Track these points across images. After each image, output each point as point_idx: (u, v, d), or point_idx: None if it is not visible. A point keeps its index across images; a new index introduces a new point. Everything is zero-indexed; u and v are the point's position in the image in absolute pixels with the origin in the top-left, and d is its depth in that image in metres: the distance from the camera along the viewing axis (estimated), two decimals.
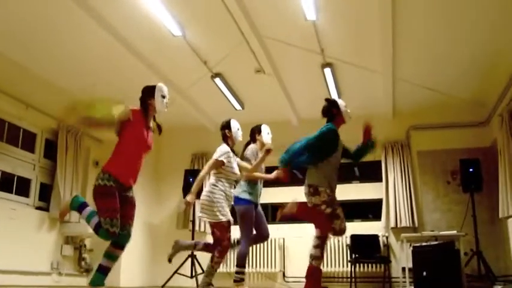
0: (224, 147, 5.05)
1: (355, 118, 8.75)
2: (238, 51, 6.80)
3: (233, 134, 5.14)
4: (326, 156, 4.60)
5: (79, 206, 4.15)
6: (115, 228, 3.89)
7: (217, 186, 4.92)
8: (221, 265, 4.98)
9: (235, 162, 5.08)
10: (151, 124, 4.32)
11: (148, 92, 4.27)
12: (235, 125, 5.20)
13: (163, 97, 4.26)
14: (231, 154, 5.05)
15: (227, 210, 4.91)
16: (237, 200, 5.20)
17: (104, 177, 3.96)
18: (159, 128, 4.42)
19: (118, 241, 4.08)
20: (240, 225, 5.22)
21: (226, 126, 5.20)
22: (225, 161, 4.93)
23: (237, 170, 5.04)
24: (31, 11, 5.88)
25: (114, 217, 3.90)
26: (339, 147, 4.71)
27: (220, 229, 4.84)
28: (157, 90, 4.26)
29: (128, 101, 4.25)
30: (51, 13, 5.92)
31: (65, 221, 7.56)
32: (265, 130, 5.52)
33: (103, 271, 4.11)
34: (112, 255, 4.13)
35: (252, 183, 5.28)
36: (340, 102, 4.92)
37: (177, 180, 8.88)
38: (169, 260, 5.18)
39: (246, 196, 5.22)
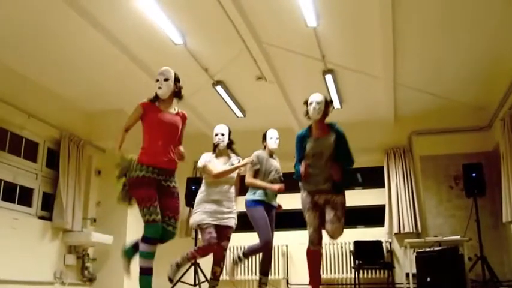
0: (206, 154, 5.25)
1: (357, 124, 8.77)
2: (239, 59, 6.81)
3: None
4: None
5: (134, 249, 4.15)
6: (154, 216, 3.87)
7: (202, 192, 5.11)
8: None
9: (219, 165, 5.14)
10: (174, 105, 4.30)
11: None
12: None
13: (157, 80, 4.20)
14: (211, 158, 5.20)
15: (206, 215, 4.95)
16: (246, 203, 5.30)
17: (136, 168, 4.00)
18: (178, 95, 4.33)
19: (162, 237, 4.00)
20: (255, 228, 5.24)
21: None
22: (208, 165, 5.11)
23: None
24: (31, 21, 5.91)
25: (151, 205, 3.90)
26: (308, 147, 4.53)
27: (200, 231, 4.99)
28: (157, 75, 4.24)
29: (130, 109, 4.27)
30: (51, 22, 5.94)
31: (68, 230, 7.57)
32: (270, 135, 5.54)
33: (146, 272, 3.98)
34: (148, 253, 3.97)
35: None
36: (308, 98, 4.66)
37: (179, 188, 8.84)
38: (170, 280, 5.20)
39: (251, 197, 5.28)
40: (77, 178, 7.86)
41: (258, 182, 5.28)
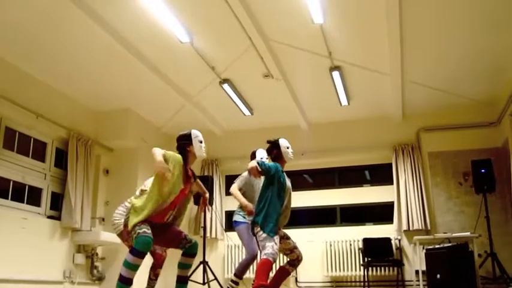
0: None
1: (365, 121, 8.67)
2: (246, 57, 6.81)
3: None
4: None
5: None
6: (145, 229, 3.90)
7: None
8: None
9: None
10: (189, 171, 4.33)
11: (186, 139, 4.31)
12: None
13: (201, 142, 4.33)
14: None
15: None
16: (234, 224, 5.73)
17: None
18: (194, 176, 4.41)
19: (187, 251, 4.32)
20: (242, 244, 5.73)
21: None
22: None
23: None
24: (39, 21, 5.92)
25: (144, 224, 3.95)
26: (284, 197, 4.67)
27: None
28: (194, 136, 4.32)
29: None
30: (58, 22, 5.96)
31: (77, 229, 7.61)
32: (260, 154, 5.59)
33: (182, 281, 4.37)
34: (186, 264, 4.38)
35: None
36: (282, 142, 4.68)
37: None
38: None
39: (237, 219, 5.69)
40: (85, 177, 7.89)
41: (240, 197, 5.50)
